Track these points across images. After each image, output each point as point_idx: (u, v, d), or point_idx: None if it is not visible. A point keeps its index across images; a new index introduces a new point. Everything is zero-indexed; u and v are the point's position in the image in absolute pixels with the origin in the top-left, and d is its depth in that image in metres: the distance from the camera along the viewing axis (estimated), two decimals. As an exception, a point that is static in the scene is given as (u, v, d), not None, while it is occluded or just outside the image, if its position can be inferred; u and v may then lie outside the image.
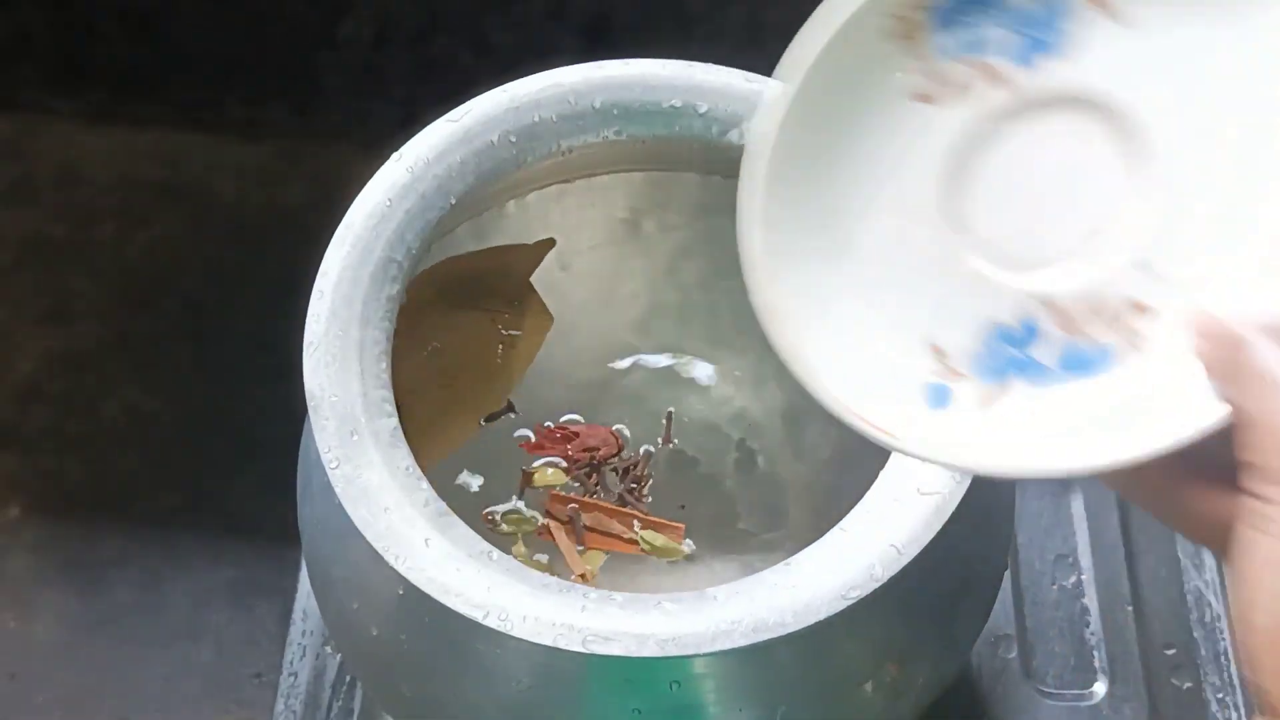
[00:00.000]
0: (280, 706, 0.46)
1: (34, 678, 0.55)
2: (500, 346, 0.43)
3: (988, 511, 0.38)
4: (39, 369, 0.63)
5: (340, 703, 0.46)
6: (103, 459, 0.60)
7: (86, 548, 0.58)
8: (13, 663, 0.56)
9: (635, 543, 0.40)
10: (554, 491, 0.42)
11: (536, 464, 0.43)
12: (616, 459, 0.44)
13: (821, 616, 0.31)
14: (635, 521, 0.41)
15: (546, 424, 0.44)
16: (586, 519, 0.41)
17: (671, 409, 0.46)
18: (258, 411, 0.58)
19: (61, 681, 0.55)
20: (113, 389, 0.62)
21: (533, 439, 0.44)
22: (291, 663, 0.47)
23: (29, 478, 0.60)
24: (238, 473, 0.59)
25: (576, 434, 0.44)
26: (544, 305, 0.43)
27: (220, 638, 0.56)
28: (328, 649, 0.47)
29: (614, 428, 0.45)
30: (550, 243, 0.42)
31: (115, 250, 0.66)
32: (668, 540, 0.41)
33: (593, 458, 0.44)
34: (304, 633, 0.47)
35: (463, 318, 0.42)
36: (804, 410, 0.46)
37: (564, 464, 0.43)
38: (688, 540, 0.41)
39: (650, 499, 0.43)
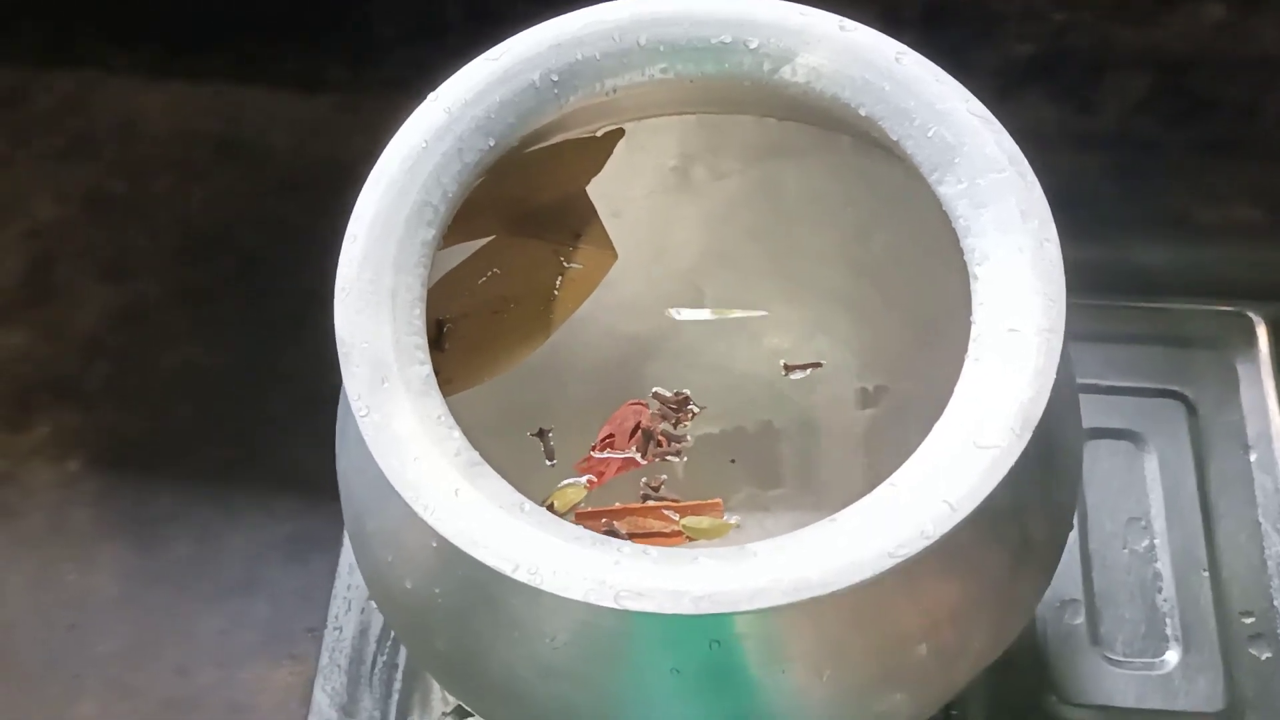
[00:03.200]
0: (325, 660, 0.45)
1: (93, 629, 0.56)
2: (559, 279, 0.41)
3: (1051, 468, 0.36)
4: (99, 323, 0.63)
5: (385, 657, 0.46)
6: (161, 413, 0.61)
7: (145, 501, 0.58)
8: (73, 614, 0.56)
9: (680, 534, 0.39)
10: (579, 510, 0.40)
11: (553, 493, 0.41)
12: (668, 409, 0.42)
13: (867, 575, 0.30)
14: (671, 512, 0.40)
15: (587, 458, 0.42)
16: (623, 526, 0.39)
17: (822, 361, 0.44)
18: (314, 365, 0.57)
19: (120, 633, 0.56)
20: (171, 343, 0.62)
21: (585, 480, 0.41)
22: (337, 617, 0.46)
23: (89, 431, 0.60)
24: (295, 427, 0.59)
25: (611, 434, 0.42)
26: (608, 239, 0.41)
27: (275, 591, 0.56)
28: (372, 603, 0.47)
29: (636, 400, 0.43)
30: (619, 133, 0.40)
31: (174, 205, 0.66)
32: (712, 520, 0.39)
33: (645, 432, 0.42)
34: (349, 586, 0.47)
35: (525, 246, 0.41)
36: (857, 362, 0.45)
37: (584, 481, 0.41)
38: (730, 514, 0.40)
39: (684, 460, 0.42)
